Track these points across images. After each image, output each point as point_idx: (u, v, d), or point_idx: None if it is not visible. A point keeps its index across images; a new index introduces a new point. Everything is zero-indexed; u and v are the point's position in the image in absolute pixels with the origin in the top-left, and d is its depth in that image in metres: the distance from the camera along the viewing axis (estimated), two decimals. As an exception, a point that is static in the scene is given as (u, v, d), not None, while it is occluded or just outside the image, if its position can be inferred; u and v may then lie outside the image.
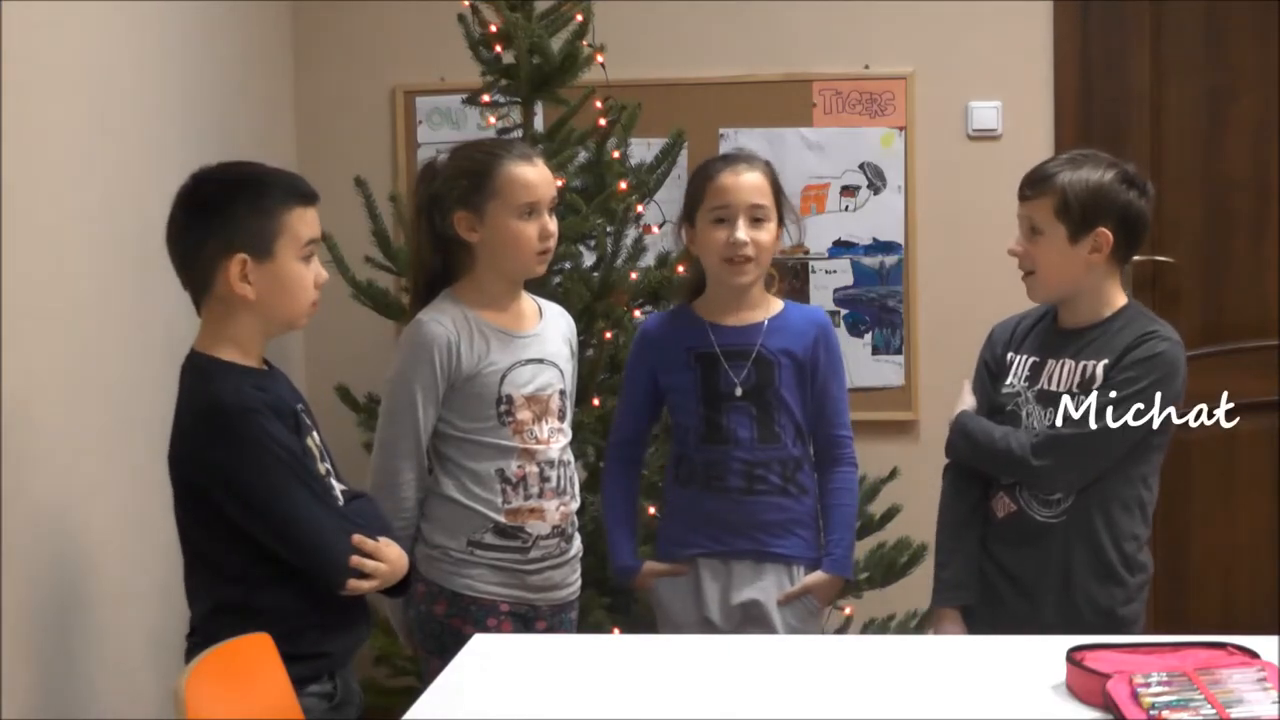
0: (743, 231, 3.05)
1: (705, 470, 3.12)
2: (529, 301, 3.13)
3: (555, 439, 3.04)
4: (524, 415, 2.99)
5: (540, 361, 3.04)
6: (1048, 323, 3.03)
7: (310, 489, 2.57)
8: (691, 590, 3.14)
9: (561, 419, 3.07)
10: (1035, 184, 2.94)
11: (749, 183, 3.08)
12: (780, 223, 3.13)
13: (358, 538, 2.60)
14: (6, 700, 2.80)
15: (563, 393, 3.07)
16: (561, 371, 3.07)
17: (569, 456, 3.09)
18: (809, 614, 3.12)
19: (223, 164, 2.68)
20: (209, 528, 2.56)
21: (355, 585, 2.60)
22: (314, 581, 2.58)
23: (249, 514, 2.53)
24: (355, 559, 2.59)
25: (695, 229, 3.13)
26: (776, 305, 3.17)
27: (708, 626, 3.11)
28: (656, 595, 3.20)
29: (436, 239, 3.04)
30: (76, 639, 3.10)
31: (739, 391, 3.09)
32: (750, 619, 3.09)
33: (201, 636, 2.54)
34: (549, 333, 3.10)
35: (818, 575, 3.13)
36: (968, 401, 3.06)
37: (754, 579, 3.10)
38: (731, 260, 3.08)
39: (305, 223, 2.62)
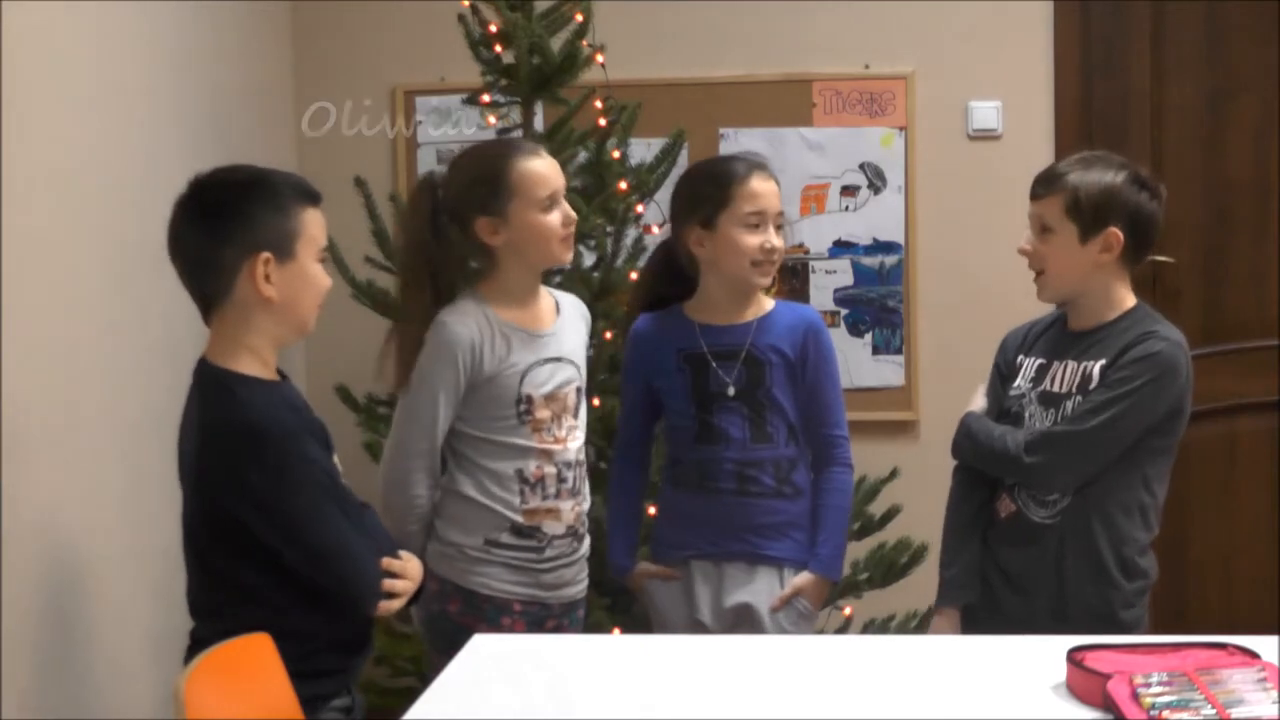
0: (776, 237, 3.09)
1: (698, 471, 3.11)
2: (546, 296, 3.12)
3: (572, 436, 3.04)
4: (543, 414, 2.99)
5: (558, 360, 3.03)
6: (1059, 326, 3.04)
7: (346, 513, 2.57)
8: (684, 592, 3.13)
9: (577, 415, 3.07)
10: (1047, 183, 2.94)
11: (775, 190, 3.12)
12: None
13: (386, 560, 2.61)
14: (6, 700, 2.80)
15: (579, 389, 3.07)
16: (578, 368, 3.07)
17: (583, 456, 3.09)
18: (802, 617, 3.10)
19: (223, 168, 2.65)
20: (235, 549, 2.52)
21: (385, 607, 2.61)
22: (342, 605, 2.58)
23: (284, 539, 2.52)
24: (386, 582, 2.60)
25: (715, 232, 3.09)
26: (767, 305, 3.17)
27: (699, 628, 3.10)
28: (650, 596, 3.20)
29: (453, 248, 3.01)
30: (76, 639, 3.10)
31: (731, 391, 3.09)
32: (742, 622, 3.08)
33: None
34: (566, 329, 3.09)
35: (805, 576, 3.10)
36: (978, 404, 3.08)
37: (746, 582, 3.09)
38: (761, 265, 3.09)
39: (318, 224, 2.62)
